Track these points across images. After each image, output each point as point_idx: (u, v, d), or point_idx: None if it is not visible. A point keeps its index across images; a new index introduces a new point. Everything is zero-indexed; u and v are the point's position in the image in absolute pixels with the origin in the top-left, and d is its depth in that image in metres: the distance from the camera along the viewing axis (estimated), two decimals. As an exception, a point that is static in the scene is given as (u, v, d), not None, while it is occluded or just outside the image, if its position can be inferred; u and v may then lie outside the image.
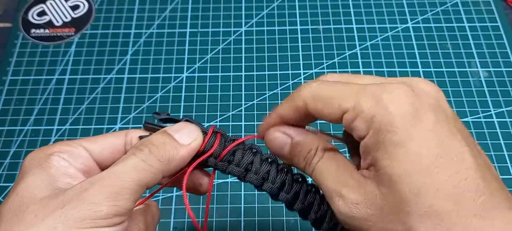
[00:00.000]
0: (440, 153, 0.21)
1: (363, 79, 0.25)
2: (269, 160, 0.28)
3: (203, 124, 0.51)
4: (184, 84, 0.54)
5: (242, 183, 0.47)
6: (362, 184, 0.23)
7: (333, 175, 0.24)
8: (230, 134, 0.29)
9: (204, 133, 0.28)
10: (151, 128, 0.28)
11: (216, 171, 0.29)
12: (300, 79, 0.54)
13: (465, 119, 0.51)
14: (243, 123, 0.51)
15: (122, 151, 0.28)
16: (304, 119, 0.27)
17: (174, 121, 0.29)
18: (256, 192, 0.46)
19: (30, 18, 0.61)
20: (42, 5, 0.62)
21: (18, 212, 0.22)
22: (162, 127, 0.28)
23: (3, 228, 0.22)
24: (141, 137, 0.28)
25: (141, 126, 0.29)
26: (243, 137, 0.29)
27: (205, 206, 0.46)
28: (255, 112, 0.52)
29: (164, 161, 0.25)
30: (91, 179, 0.23)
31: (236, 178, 0.29)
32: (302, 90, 0.25)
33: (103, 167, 0.27)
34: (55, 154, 0.25)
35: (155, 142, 0.25)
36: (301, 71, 0.55)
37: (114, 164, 0.24)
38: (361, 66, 0.55)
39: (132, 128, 0.51)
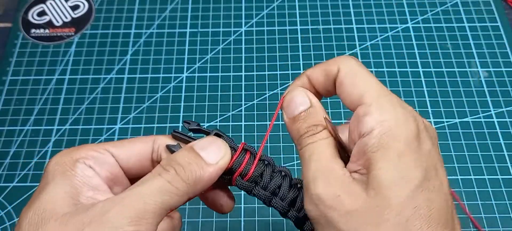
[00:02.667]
0: (427, 177, 0.22)
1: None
2: (298, 185, 0.27)
3: (203, 124, 0.51)
4: (184, 84, 0.54)
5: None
6: (349, 181, 0.23)
7: (327, 159, 0.25)
8: (263, 154, 0.28)
9: (233, 149, 0.27)
10: (180, 138, 0.27)
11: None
12: (300, 79, 0.54)
13: (465, 119, 0.51)
14: (243, 123, 0.51)
15: (149, 158, 0.27)
16: (326, 91, 0.27)
17: (204, 132, 0.28)
18: (256, 192, 0.46)
19: (30, 18, 0.61)
20: (42, 5, 0.62)
21: (38, 227, 0.22)
22: (191, 138, 0.27)
23: None
24: (168, 147, 0.27)
25: (171, 132, 0.28)
26: (257, 147, 0.28)
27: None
28: (255, 112, 0.52)
29: (190, 183, 0.24)
30: (114, 199, 0.22)
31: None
32: (341, 58, 0.26)
33: (129, 174, 0.27)
34: (80, 161, 0.25)
35: (181, 162, 0.24)
36: (301, 71, 0.55)
37: (139, 182, 0.24)
38: (361, 66, 0.55)
39: (133, 128, 0.51)
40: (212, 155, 0.25)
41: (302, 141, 0.26)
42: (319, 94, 0.28)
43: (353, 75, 0.25)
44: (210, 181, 0.25)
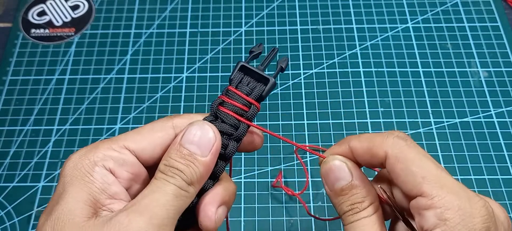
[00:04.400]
0: None
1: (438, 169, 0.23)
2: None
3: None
4: (184, 84, 0.54)
5: (243, 183, 0.47)
6: None
7: None
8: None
9: (263, 77, 0.27)
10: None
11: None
12: (300, 79, 0.54)
13: (465, 119, 0.51)
14: (243, 123, 0.51)
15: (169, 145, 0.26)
16: (371, 165, 0.26)
17: (266, 59, 0.29)
18: (256, 192, 0.46)
19: (30, 18, 0.61)
20: (42, 5, 0.62)
21: None
22: (257, 70, 0.27)
23: None
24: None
25: (180, 113, 0.28)
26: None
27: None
28: (255, 112, 0.52)
29: (195, 183, 0.24)
30: (135, 209, 0.22)
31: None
32: (387, 141, 0.24)
33: (151, 164, 0.26)
34: (100, 164, 0.24)
35: (180, 166, 0.24)
36: (301, 71, 0.55)
37: (149, 191, 0.23)
38: (361, 66, 0.55)
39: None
40: (203, 146, 0.25)
41: (346, 219, 0.25)
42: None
43: (405, 161, 0.23)
44: (210, 170, 0.25)
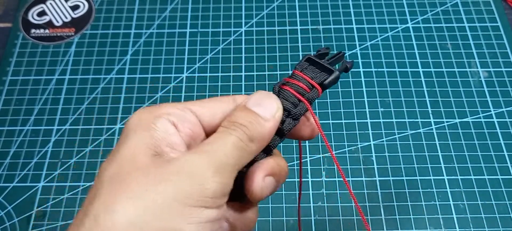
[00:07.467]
0: None
1: None
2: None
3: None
4: (184, 84, 0.54)
5: (242, 183, 0.47)
6: None
7: None
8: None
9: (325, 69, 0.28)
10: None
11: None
12: (300, 79, 0.54)
13: (465, 119, 0.51)
14: (243, 123, 0.51)
15: None
16: None
17: (331, 56, 0.30)
18: (256, 192, 0.46)
19: (30, 18, 0.61)
20: (42, 5, 0.62)
21: (120, 178, 0.21)
22: (324, 63, 0.29)
23: (104, 194, 0.21)
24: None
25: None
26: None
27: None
28: (255, 112, 0.52)
29: (256, 141, 0.24)
30: (196, 151, 0.22)
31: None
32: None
33: (209, 133, 0.26)
34: (163, 116, 0.24)
35: (243, 122, 0.24)
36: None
37: (210, 140, 0.23)
38: (361, 67, 0.55)
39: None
40: (268, 110, 0.25)
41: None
42: None
43: None
44: (270, 136, 0.25)
